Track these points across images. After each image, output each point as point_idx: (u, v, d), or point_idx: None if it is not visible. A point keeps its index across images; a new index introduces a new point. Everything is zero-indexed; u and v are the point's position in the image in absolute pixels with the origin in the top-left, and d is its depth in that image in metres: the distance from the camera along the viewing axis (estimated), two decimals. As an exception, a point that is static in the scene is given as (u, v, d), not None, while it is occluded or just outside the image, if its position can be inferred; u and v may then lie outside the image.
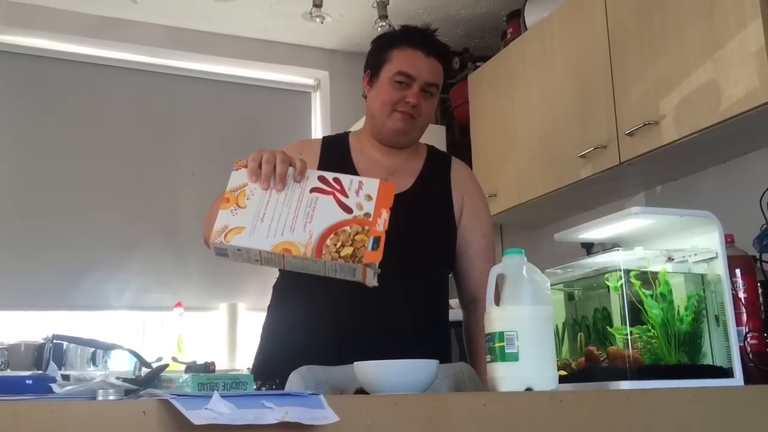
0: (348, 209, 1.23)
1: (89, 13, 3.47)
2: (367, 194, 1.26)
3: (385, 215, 1.23)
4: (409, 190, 1.80)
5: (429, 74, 1.76)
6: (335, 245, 1.17)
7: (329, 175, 1.31)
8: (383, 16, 3.22)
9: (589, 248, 2.21)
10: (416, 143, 1.89)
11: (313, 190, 1.28)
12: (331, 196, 1.26)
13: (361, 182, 1.29)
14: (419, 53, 1.76)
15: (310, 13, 3.29)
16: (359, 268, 1.18)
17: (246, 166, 1.35)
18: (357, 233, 1.20)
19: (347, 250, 1.17)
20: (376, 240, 1.19)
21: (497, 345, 1.17)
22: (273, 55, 3.84)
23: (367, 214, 1.22)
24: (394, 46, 1.79)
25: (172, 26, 3.64)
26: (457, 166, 1.91)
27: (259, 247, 1.20)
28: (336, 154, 1.82)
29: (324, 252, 1.17)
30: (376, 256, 1.17)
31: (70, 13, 3.44)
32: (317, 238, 1.18)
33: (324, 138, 1.94)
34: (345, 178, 1.30)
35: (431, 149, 1.93)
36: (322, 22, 3.35)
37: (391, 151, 1.83)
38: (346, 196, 1.25)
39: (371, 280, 1.21)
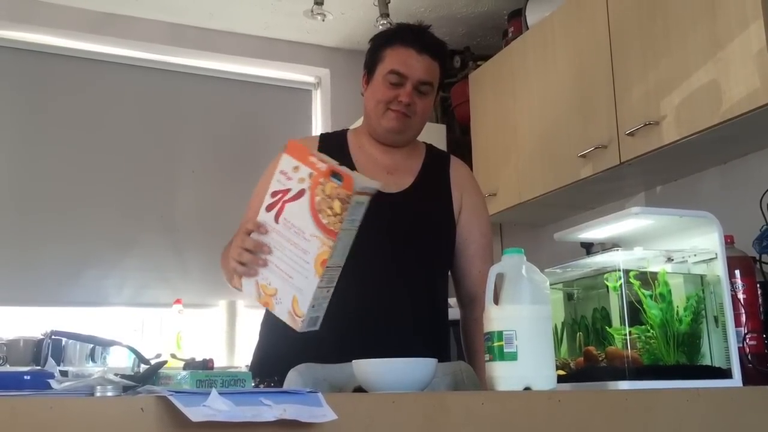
0: (301, 192, 1.22)
1: (90, 9, 3.47)
2: (293, 168, 1.23)
3: (313, 159, 1.21)
4: (409, 189, 1.80)
5: (422, 72, 1.75)
6: (328, 214, 1.17)
7: (268, 199, 1.28)
8: (384, 14, 3.21)
9: (589, 248, 2.21)
10: (414, 141, 1.89)
11: (278, 221, 1.25)
12: (287, 205, 1.24)
13: (281, 172, 1.26)
14: (411, 51, 1.75)
15: (312, 11, 3.28)
16: (355, 201, 1.16)
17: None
18: (324, 191, 1.18)
19: (336, 205, 1.16)
20: (336, 176, 1.17)
21: (496, 344, 1.17)
22: (274, 52, 3.83)
23: (310, 175, 1.20)
24: (388, 45, 1.78)
25: (174, 23, 3.63)
26: (455, 164, 1.92)
27: (312, 286, 1.18)
28: (335, 153, 1.81)
29: (331, 227, 1.16)
30: (349, 183, 1.15)
31: (71, 8, 3.44)
32: (317, 231, 1.18)
33: (322, 135, 1.93)
34: (273, 185, 1.27)
35: (430, 148, 1.93)
36: (323, 20, 3.35)
37: (389, 150, 1.84)
38: (289, 190, 1.24)
39: (373, 189, 1.19)
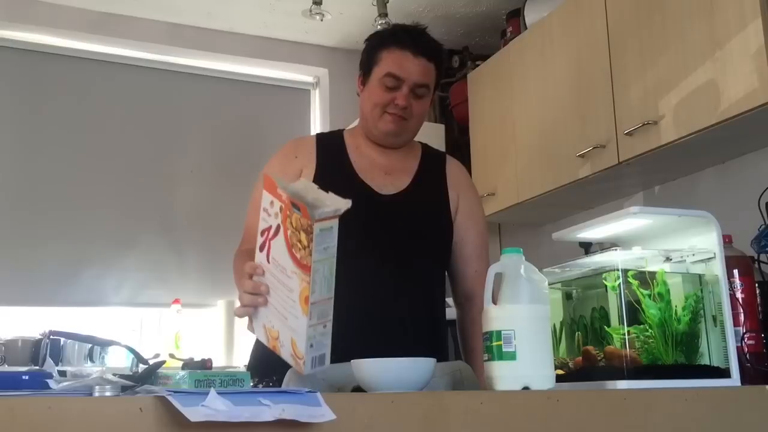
0: (278, 228, 1.17)
1: (89, 9, 3.47)
2: (270, 203, 1.20)
3: (279, 191, 1.16)
4: (406, 190, 1.80)
5: (418, 75, 1.74)
6: (299, 248, 1.12)
7: (259, 238, 1.25)
8: (383, 14, 3.21)
9: (588, 248, 2.21)
10: (410, 141, 1.89)
11: (269, 261, 1.22)
12: (272, 243, 1.20)
13: (263, 209, 1.22)
14: (408, 54, 1.74)
15: (310, 11, 3.28)
16: (319, 229, 1.10)
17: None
18: (292, 224, 1.14)
19: (303, 237, 1.12)
20: (295, 206, 1.14)
21: (495, 344, 1.17)
22: (273, 52, 3.83)
23: (281, 209, 1.16)
24: (383, 47, 1.77)
25: (172, 23, 3.63)
26: (451, 164, 1.92)
27: (303, 326, 1.11)
28: (333, 154, 1.82)
29: (304, 261, 1.11)
30: (306, 213, 1.11)
31: (70, 8, 3.44)
32: (294, 267, 1.13)
33: (318, 136, 1.92)
34: (261, 224, 1.24)
35: (425, 147, 1.93)
36: (321, 20, 3.35)
37: (386, 151, 1.84)
38: (271, 227, 1.19)
39: (336, 211, 1.13)
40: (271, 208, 1.20)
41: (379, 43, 1.80)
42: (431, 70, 1.78)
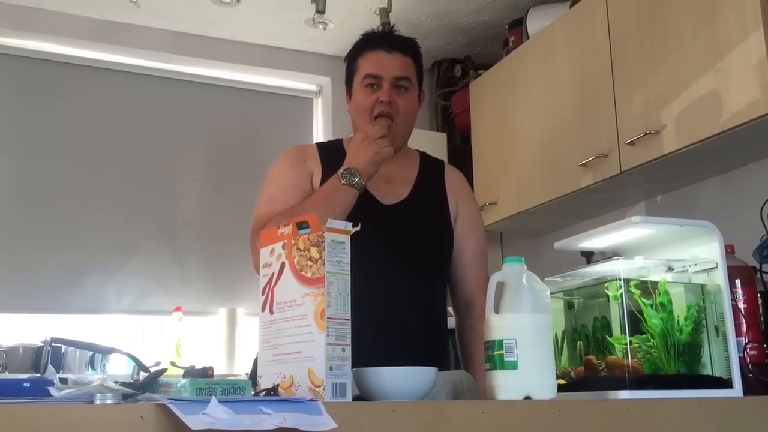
0: (282, 267, 1.16)
1: (92, 17, 3.48)
2: (270, 253, 1.20)
3: (281, 230, 1.17)
4: (407, 199, 1.81)
5: (395, 69, 1.78)
6: (310, 266, 1.11)
7: (261, 299, 1.22)
8: (386, 23, 3.22)
9: (589, 257, 2.21)
10: (408, 150, 1.89)
11: (273, 312, 1.20)
12: (274, 290, 1.18)
13: (263, 266, 1.21)
14: (381, 52, 1.79)
15: (313, 20, 3.29)
16: (330, 240, 1.10)
17: None
18: (299, 249, 1.13)
19: (313, 251, 1.10)
20: (301, 226, 1.13)
21: (496, 353, 1.17)
22: (275, 60, 3.84)
23: (284, 245, 1.16)
24: (359, 55, 1.83)
25: (175, 31, 3.64)
26: (450, 172, 1.93)
27: (321, 345, 1.08)
28: (336, 163, 1.82)
29: (317, 275, 1.10)
30: (315, 223, 1.11)
31: (73, 16, 3.45)
32: (306, 289, 1.11)
33: (318, 144, 1.93)
34: (260, 283, 1.22)
35: (423, 156, 1.94)
36: (324, 29, 3.36)
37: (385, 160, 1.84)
38: (273, 274, 1.18)
39: (346, 227, 1.13)
40: (272, 257, 1.20)
41: (354, 54, 1.86)
42: (408, 62, 1.81)
